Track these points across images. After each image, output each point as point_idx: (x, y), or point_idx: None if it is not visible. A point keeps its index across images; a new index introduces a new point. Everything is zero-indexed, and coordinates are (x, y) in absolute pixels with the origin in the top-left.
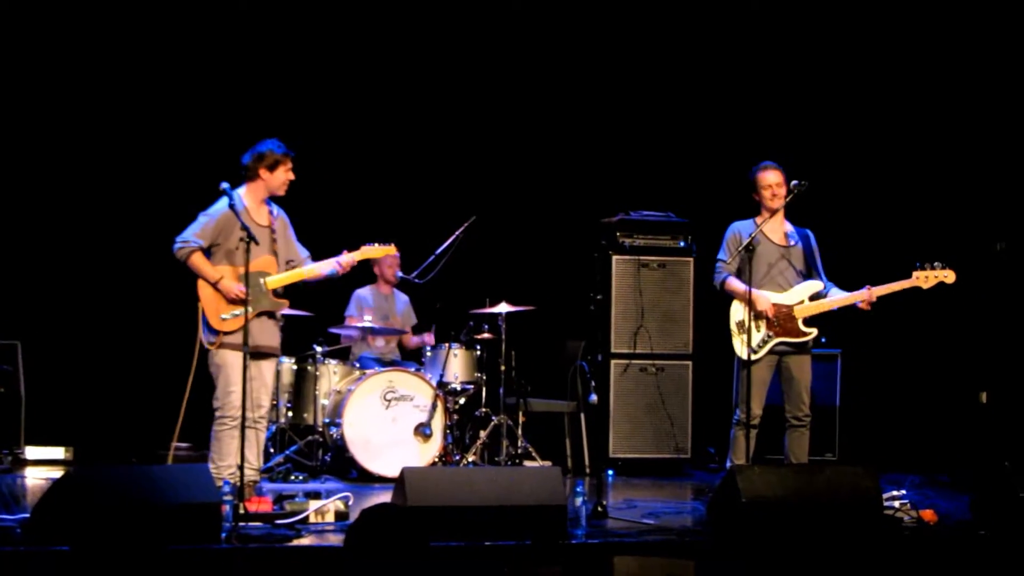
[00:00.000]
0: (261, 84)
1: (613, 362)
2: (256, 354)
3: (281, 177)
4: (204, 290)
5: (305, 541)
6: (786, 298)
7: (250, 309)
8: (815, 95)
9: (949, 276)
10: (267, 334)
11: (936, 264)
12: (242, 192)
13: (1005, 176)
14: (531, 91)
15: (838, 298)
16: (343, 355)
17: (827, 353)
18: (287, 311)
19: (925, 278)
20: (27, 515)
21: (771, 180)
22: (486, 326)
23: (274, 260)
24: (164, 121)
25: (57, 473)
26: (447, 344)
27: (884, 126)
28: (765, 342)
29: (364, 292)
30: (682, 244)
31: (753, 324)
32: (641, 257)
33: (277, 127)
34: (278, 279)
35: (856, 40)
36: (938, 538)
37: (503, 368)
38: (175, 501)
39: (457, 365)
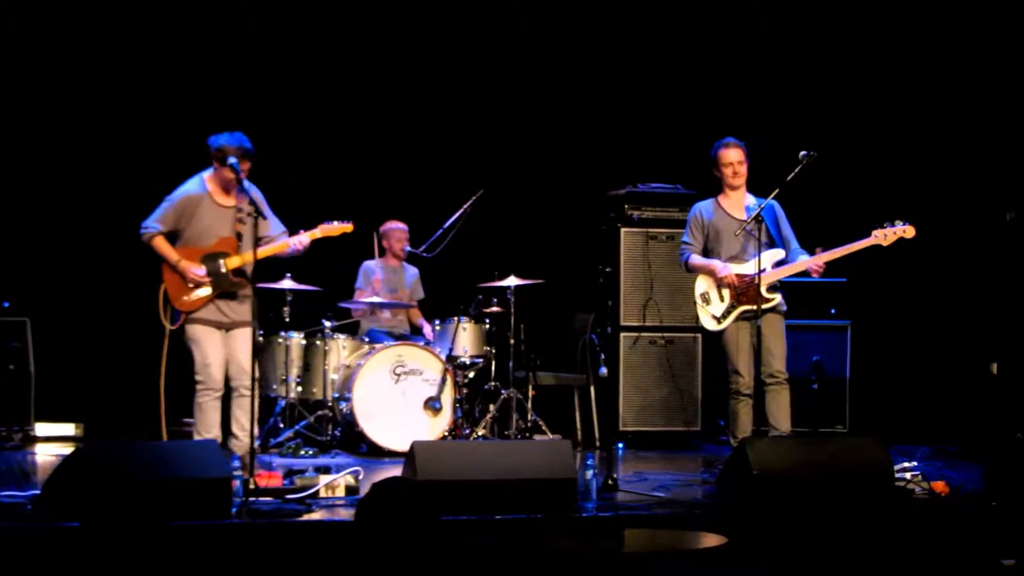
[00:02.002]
0: (270, 55)
1: (622, 335)
2: (230, 327)
3: (227, 175)
4: (167, 272)
5: (315, 516)
6: (747, 268)
7: (209, 291)
8: (821, 65)
9: (908, 231)
10: (237, 310)
11: (896, 222)
12: (208, 175)
13: (1016, 146)
14: (539, 63)
15: (796, 263)
16: (352, 329)
17: (837, 324)
18: (296, 286)
19: (884, 236)
20: (37, 492)
21: (732, 158)
22: (495, 300)
23: (235, 240)
24: (166, 98)
25: (67, 450)
26: (456, 318)
27: (896, 95)
28: (729, 311)
29: (373, 264)
30: (688, 218)
31: (716, 294)
32: (649, 229)
33: (286, 99)
34: (236, 260)
35: (868, 8)
36: (950, 510)
37: (512, 341)
38: (185, 477)
39: (466, 339)
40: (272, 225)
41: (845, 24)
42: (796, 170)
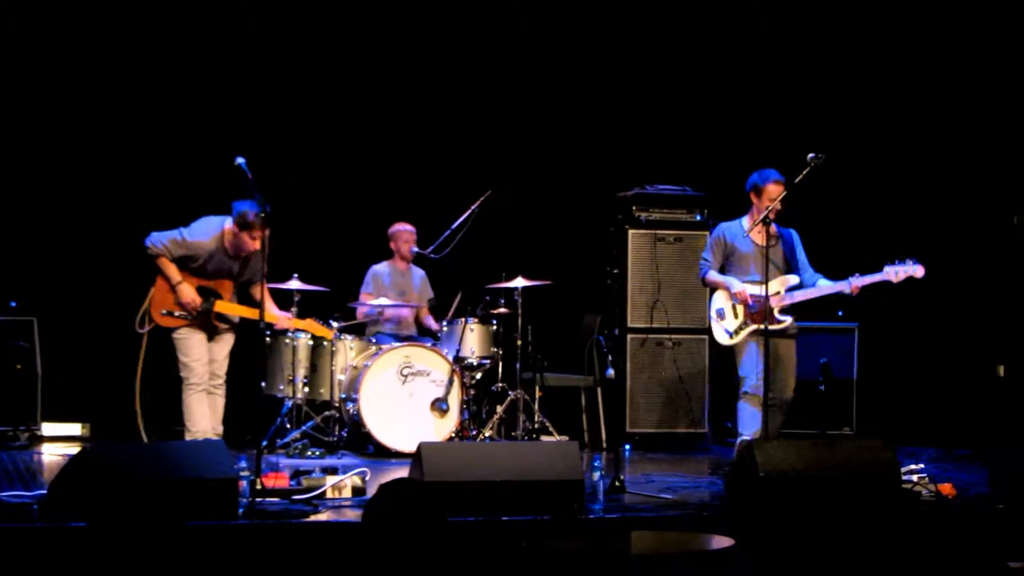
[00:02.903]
0: (278, 54)
1: (630, 336)
2: (213, 333)
3: (244, 239)
4: (161, 283)
5: (322, 517)
6: (763, 290)
7: (189, 318)
8: (831, 68)
9: (918, 272)
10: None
11: (908, 260)
12: (228, 228)
13: (1022, 149)
14: (547, 65)
15: (822, 287)
16: (359, 330)
17: (844, 326)
18: (304, 286)
19: (895, 274)
20: (44, 492)
21: (776, 194)
22: (502, 301)
23: (232, 285)
24: (172, 100)
25: (74, 449)
26: (463, 319)
27: (900, 98)
28: (741, 328)
29: (381, 268)
30: (698, 218)
31: (731, 311)
32: (657, 231)
33: (295, 99)
34: (227, 306)
35: (872, 10)
36: (957, 512)
37: (520, 343)
38: (192, 477)
39: (473, 340)
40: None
41: (849, 24)
42: (804, 172)
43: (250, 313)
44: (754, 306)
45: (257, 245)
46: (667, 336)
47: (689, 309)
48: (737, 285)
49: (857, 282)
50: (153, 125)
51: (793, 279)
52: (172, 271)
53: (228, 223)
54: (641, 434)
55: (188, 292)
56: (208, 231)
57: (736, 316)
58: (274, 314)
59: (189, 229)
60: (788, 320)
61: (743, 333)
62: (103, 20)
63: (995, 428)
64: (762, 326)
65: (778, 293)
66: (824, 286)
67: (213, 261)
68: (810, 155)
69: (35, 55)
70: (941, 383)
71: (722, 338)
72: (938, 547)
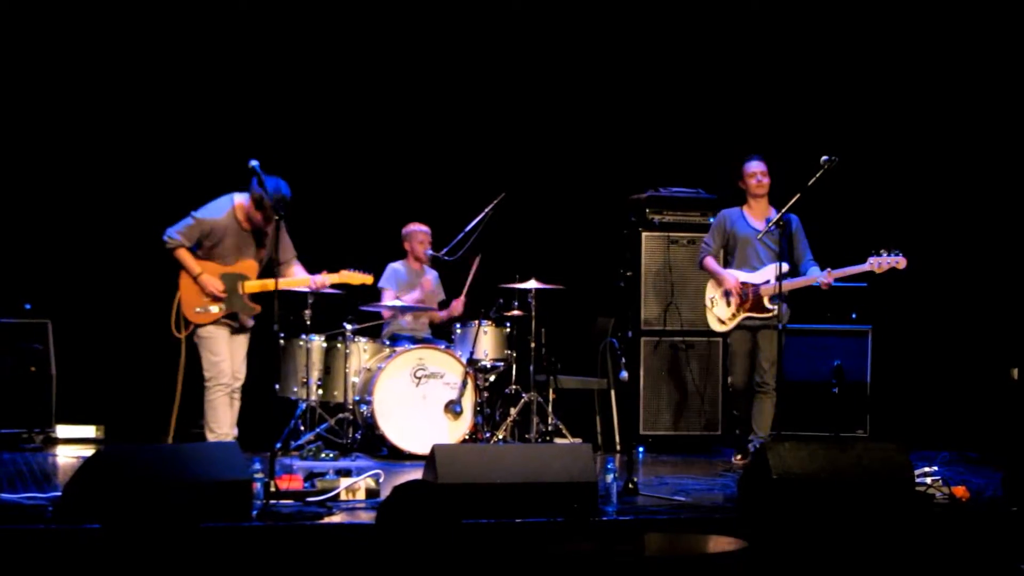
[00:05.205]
0: (293, 58)
1: (643, 339)
2: (236, 331)
3: (257, 218)
4: (184, 281)
5: (336, 519)
6: (754, 278)
7: (222, 308)
8: (846, 67)
9: (900, 263)
10: (243, 318)
11: (887, 253)
12: (238, 202)
13: None
14: (561, 67)
15: (803, 278)
16: (373, 332)
17: (858, 329)
18: (317, 289)
19: (878, 265)
20: (58, 494)
21: (755, 168)
22: (516, 303)
23: (256, 265)
24: (187, 104)
25: (88, 451)
26: (477, 321)
27: (917, 100)
28: (733, 316)
29: (398, 266)
30: (712, 220)
31: (722, 300)
32: (671, 233)
33: (310, 101)
34: (255, 284)
35: (889, 11)
36: (970, 515)
37: (533, 345)
38: (206, 479)
39: (487, 342)
40: (287, 248)
41: (864, 26)
42: (818, 175)
43: (280, 285)
44: (745, 296)
45: (266, 224)
46: (680, 338)
47: (702, 311)
48: (729, 281)
49: (836, 273)
50: (169, 127)
51: (784, 266)
52: (191, 263)
53: (238, 197)
54: (654, 436)
55: (211, 280)
56: (220, 208)
57: (728, 305)
58: (302, 277)
59: (199, 210)
60: (775, 309)
61: (734, 322)
62: (120, 26)
63: (1009, 431)
64: (752, 315)
65: (767, 282)
66: (808, 275)
67: (230, 237)
68: (823, 157)
69: (49, 61)
70: (955, 386)
71: (715, 326)
72: (951, 550)
